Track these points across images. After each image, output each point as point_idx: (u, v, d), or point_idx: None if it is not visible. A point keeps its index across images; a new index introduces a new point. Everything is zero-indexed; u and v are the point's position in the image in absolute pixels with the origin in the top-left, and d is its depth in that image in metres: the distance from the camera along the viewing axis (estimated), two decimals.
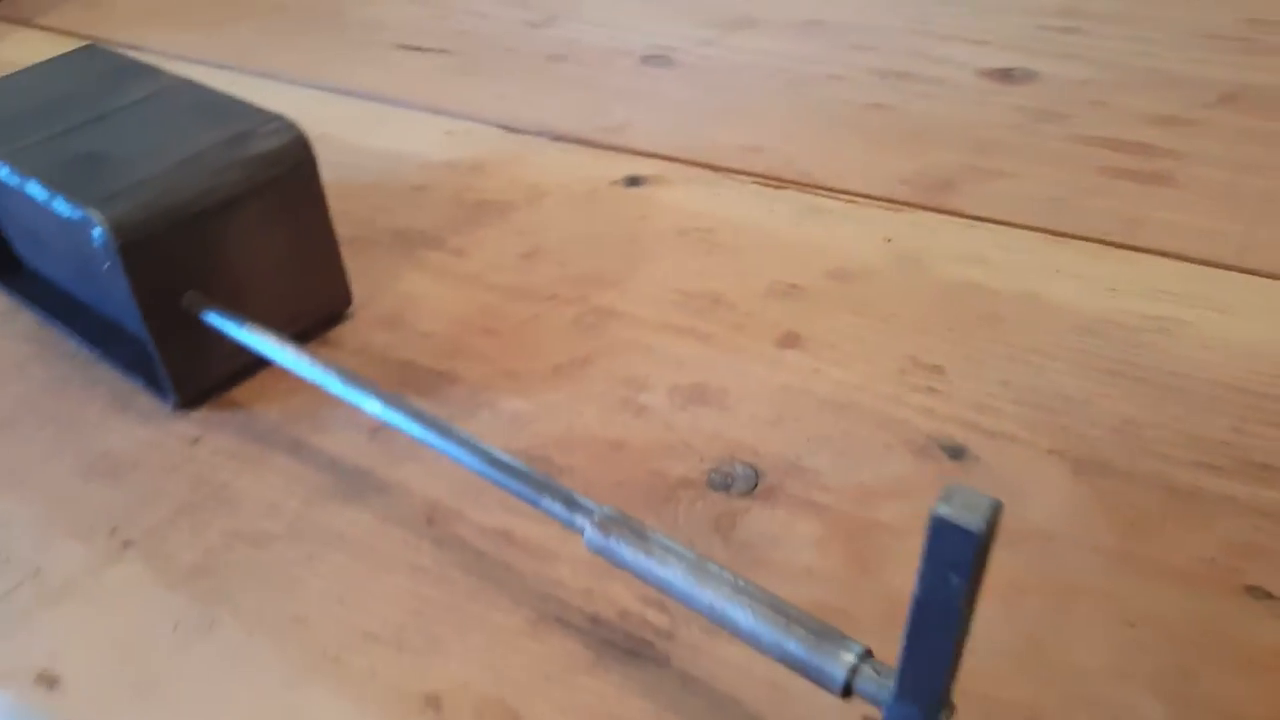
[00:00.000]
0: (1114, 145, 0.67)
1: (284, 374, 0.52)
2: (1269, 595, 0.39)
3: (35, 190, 0.47)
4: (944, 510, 0.26)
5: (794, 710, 0.36)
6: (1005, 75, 0.76)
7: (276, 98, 0.81)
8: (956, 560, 0.26)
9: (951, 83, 0.76)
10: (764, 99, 0.76)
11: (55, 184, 0.46)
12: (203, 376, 0.50)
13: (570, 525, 0.37)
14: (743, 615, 0.32)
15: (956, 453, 0.46)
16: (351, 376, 0.43)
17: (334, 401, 0.48)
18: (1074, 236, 0.59)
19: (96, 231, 0.45)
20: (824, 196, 0.64)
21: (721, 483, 0.45)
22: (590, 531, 0.36)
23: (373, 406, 0.42)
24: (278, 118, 0.51)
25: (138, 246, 0.45)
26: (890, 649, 0.36)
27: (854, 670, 0.30)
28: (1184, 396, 0.48)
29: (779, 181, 0.66)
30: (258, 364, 0.52)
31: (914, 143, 0.69)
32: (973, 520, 0.26)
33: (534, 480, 0.38)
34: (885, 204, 0.63)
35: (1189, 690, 0.36)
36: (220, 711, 0.37)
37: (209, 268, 0.48)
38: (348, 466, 0.47)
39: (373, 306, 0.57)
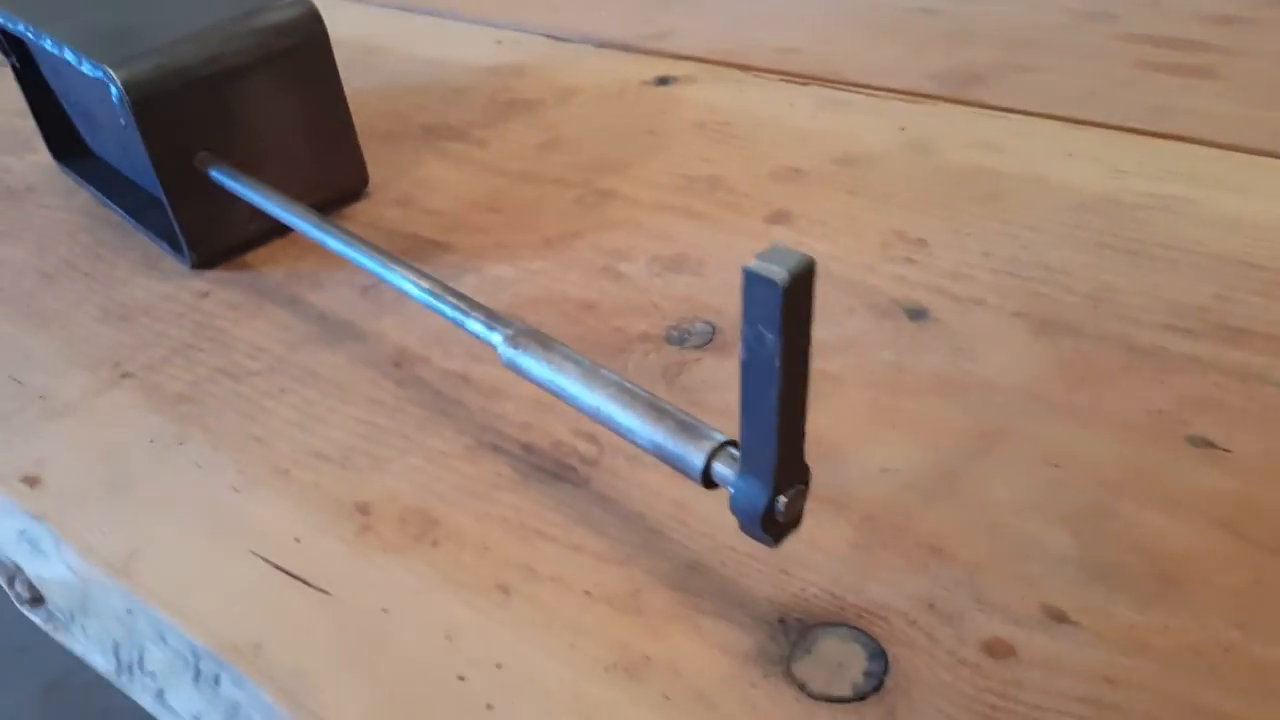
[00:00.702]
0: (1159, 42, 0.64)
1: (294, 241, 0.56)
2: (1210, 444, 0.37)
3: (70, 56, 0.51)
4: (754, 264, 0.26)
5: (693, 523, 0.37)
6: None
7: (343, 13, 0.85)
8: (767, 315, 0.26)
9: None
10: (814, 7, 0.75)
11: (85, 50, 0.50)
12: (217, 238, 0.54)
13: (488, 341, 0.38)
14: (621, 412, 0.33)
15: (917, 314, 0.45)
16: (327, 222, 0.45)
17: (335, 265, 0.50)
18: (1095, 124, 0.57)
19: (114, 89, 0.49)
20: (847, 91, 0.64)
21: (678, 338, 0.46)
22: (502, 345, 0.37)
23: (335, 245, 0.44)
24: None
25: (150, 102, 0.49)
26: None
27: (713, 454, 0.31)
28: (1171, 267, 0.46)
29: (805, 78, 0.66)
30: (272, 231, 0.55)
31: (953, 42, 0.67)
32: (777, 272, 0.26)
33: (462, 302, 0.39)
34: (908, 97, 0.62)
35: (1103, 525, 0.35)
36: (175, 507, 0.40)
37: (221, 130, 0.52)
38: (334, 319, 0.50)
39: (389, 189, 0.60)
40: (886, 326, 0.45)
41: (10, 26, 0.57)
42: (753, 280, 0.26)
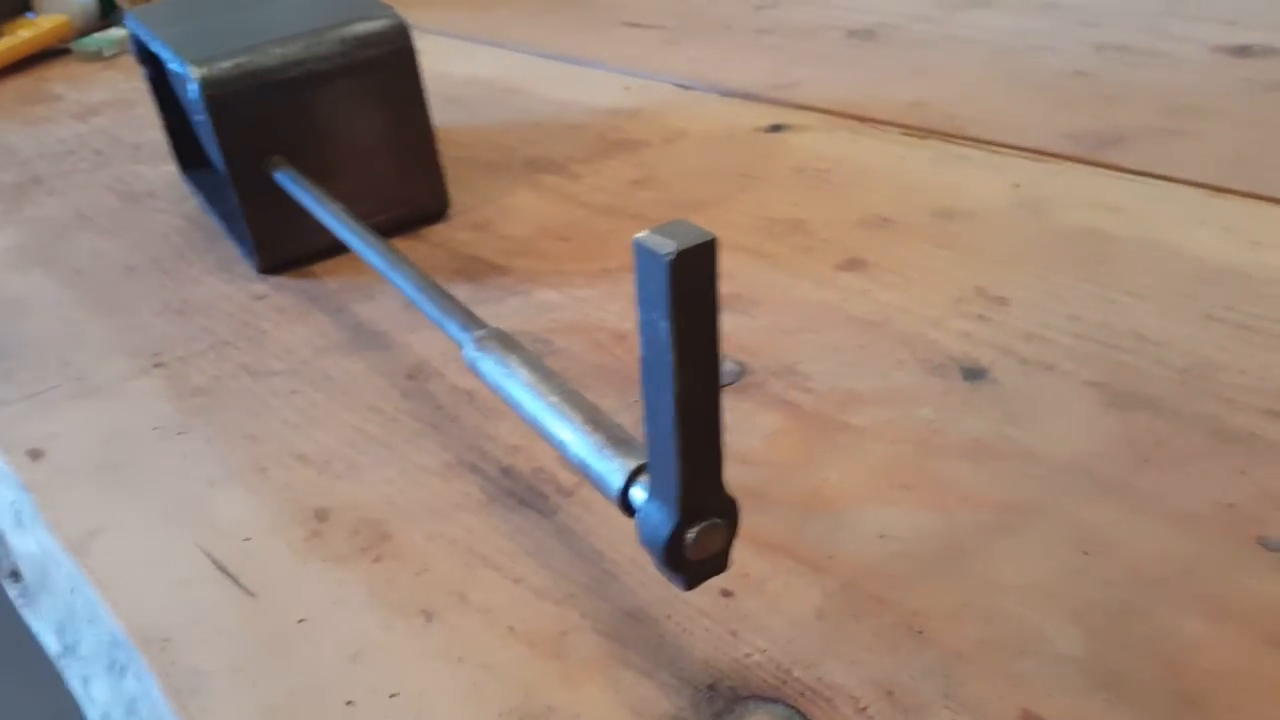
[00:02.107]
0: None
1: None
2: None
3: (167, 56, 0.53)
4: (643, 236, 0.23)
5: (651, 569, 0.32)
6: (1243, 51, 0.65)
7: (490, 55, 0.86)
8: (656, 296, 0.22)
9: (1175, 55, 0.67)
10: (955, 66, 0.70)
11: (178, 48, 0.52)
12: (286, 244, 0.54)
13: (458, 341, 0.35)
14: (557, 420, 0.29)
15: (974, 374, 0.39)
16: (364, 230, 0.44)
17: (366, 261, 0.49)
18: (1240, 193, 0.49)
19: (192, 86, 0.50)
20: (968, 146, 0.58)
21: None
22: (468, 347, 0.34)
23: (346, 236, 0.43)
24: (387, 9, 0.54)
25: (225, 100, 0.50)
26: (792, 534, 0.32)
27: (636, 473, 0.27)
28: None
29: (926, 132, 0.61)
30: (343, 246, 0.55)
31: (1102, 105, 0.61)
32: (664, 244, 0.22)
33: (445, 302, 0.37)
34: (1033, 155, 0.56)
35: (1126, 626, 0.28)
36: (148, 495, 0.39)
37: (298, 136, 0.52)
38: (370, 329, 0.48)
39: (471, 213, 0.58)
40: (934, 384, 0.39)
41: (139, 34, 0.60)
42: (642, 255, 0.23)
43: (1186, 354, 0.39)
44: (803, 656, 0.29)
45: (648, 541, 0.26)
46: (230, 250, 0.57)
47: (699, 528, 0.25)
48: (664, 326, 0.23)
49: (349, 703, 0.29)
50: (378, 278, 0.52)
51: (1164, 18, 0.73)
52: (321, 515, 0.37)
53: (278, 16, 0.55)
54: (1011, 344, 0.41)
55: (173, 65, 0.52)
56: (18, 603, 0.42)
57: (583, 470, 0.28)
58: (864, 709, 0.27)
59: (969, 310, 0.43)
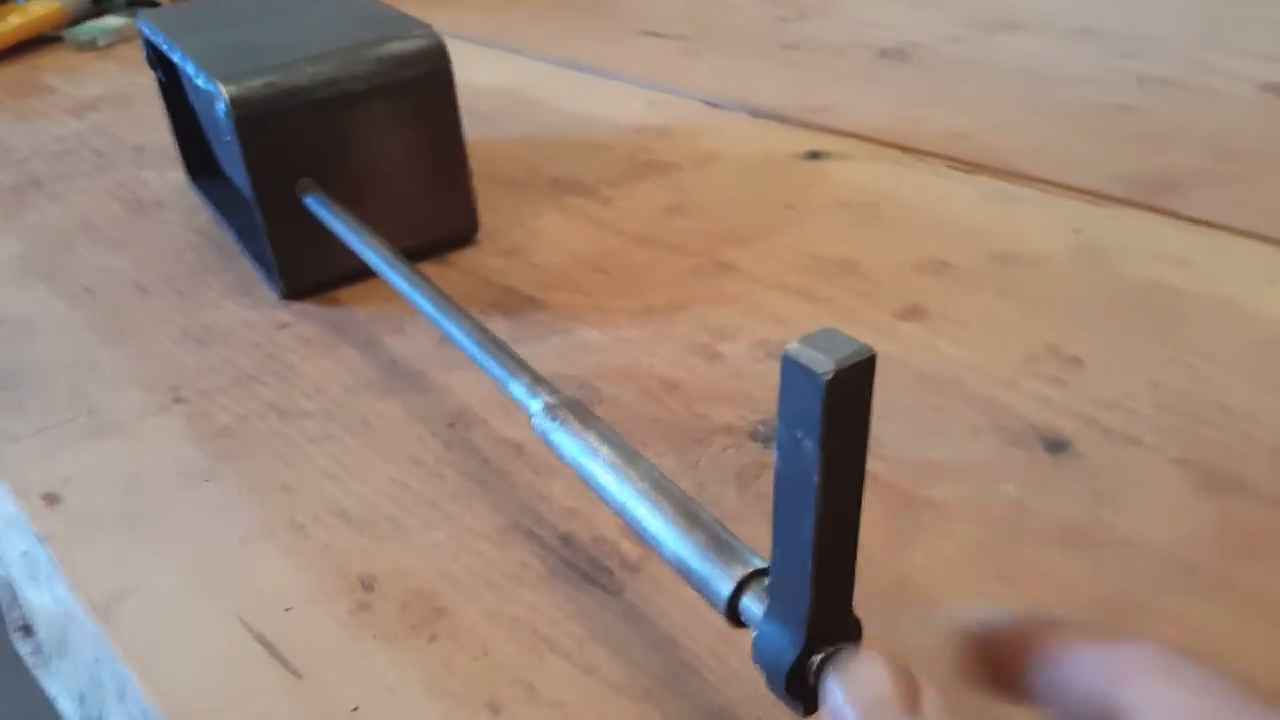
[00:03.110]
0: None
1: (386, 282, 0.52)
2: None
3: (191, 70, 0.50)
4: (793, 347, 0.20)
5: (734, 663, 0.30)
6: None
7: (505, 62, 0.83)
8: (806, 416, 0.20)
9: (1222, 92, 0.65)
10: (994, 92, 0.69)
11: (204, 63, 0.49)
12: (311, 269, 0.51)
13: (525, 407, 0.33)
14: (648, 512, 0.27)
15: (1057, 446, 0.37)
16: (408, 269, 0.42)
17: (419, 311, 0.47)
18: None
19: (221, 104, 0.47)
20: (1018, 184, 0.56)
21: (764, 435, 0.40)
22: (539, 414, 0.32)
23: (398, 281, 0.40)
24: (424, 26, 0.51)
25: (255, 120, 0.47)
26: (884, 629, 0.30)
27: (744, 583, 0.25)
28: None
29: (972, 165, 0.59)
30: (369, 271, 0.52)
31: (1150, 143, 0.59)
32: (821, 362, 0.20)
33: (510, 360, 0.35)
34: (1088, 197, 0.54)
35: None
36: (177, 551, 0.37)
37: (328, 157, 0.49)
38: (403, 366, 0.46)
39: (500, 238, 0.56)
40: (1017, 456, 0.37)
41: (154, 39, 0.57)
42: (791, 370, 0.20)
43: (1276, 431, 0.37)
44: None
45: (768, 664, 0.24)
46: (247, 270, 0.55)
47: (826, 654, 0.23)
48: (810, 447, 0.21)
49: None
50: (407, 307, 0.49)
51: (1204, 50, 0.71)
52: (368, 584, 0.34)
53: (308, 31, 0.52)
54: (1092, 412, 0.39)
55: (198, 80, 0.49)
56: (29, 660, 0.39)
57: (680, 569, 0.26)
58: None
59: (1043, 371, 0.41)
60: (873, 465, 0.37)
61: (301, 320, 0.50)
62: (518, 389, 0.34)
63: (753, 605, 0.24)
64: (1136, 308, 0.45)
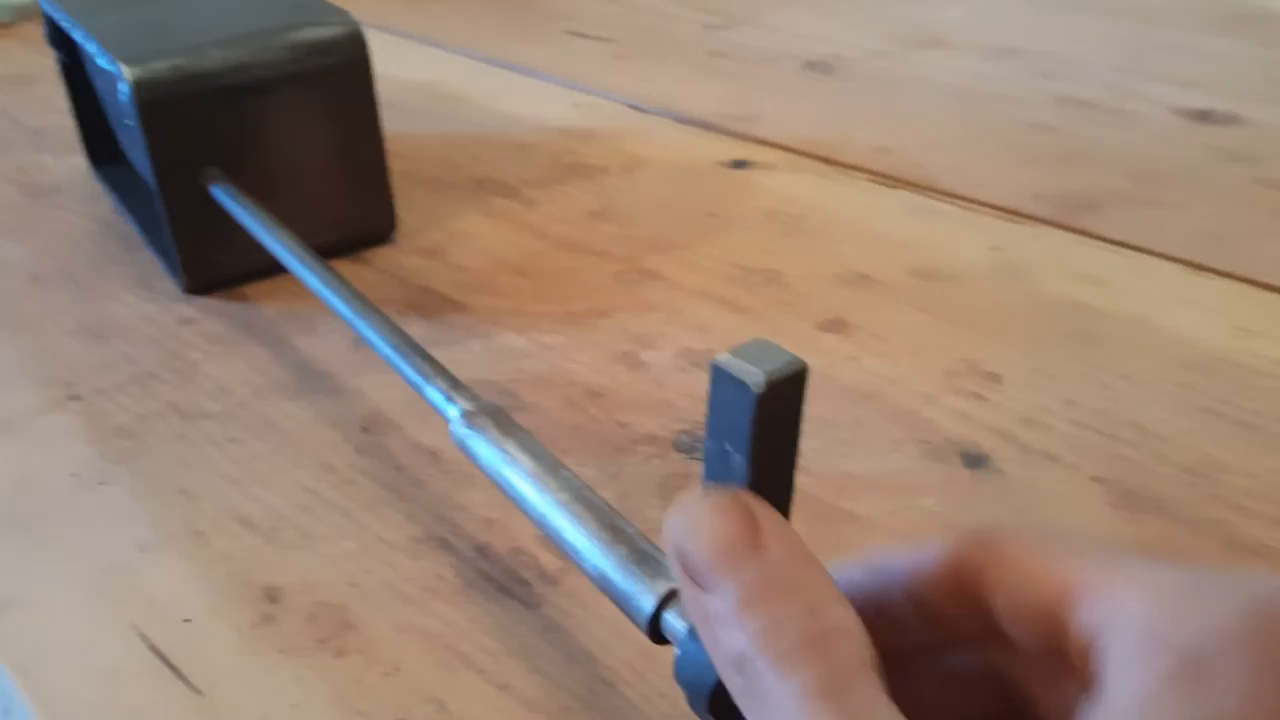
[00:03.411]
0: None
1: (295, 280, 0.51)
2: None
3: (93, 50, 0.48)
4: (723, 358, 0.20)
5: (655, 680, 0.29)
6: (1204, 116, 0.66)
7: (426, 57, 0.82)
8: (734, 429, 0.20)
9: (1139, 116, 0.67)
10: (917, 108, 0.69)
11: (106, 43, 0.47)
12: (216, 263, 0.49)
13: (443, 413, 0.32)
14: (569, 524, 0.26)
15: (976, 461, 0.38)
16: (321, 266, 0.40)
17: (333, 310, 0.45)
18: (1220, 272, 0.49)
19: (123, 86, 0.45)
20: (940, 200, 0.57)
21: (688, 445, 0.39)
22: (457, 421, 0.31)
23: (312, 281, 0.39)
24: (341, 13, 0.50)
25: (159, 105, 0.45)
26: None
27: (667, 599, 0.24)
28: None
29: (895, 180, 0.59)
30: (277, 267, 0.50)
31: (1068, 164, 0.60)
32: (752, 374, 0.19)
33: (427, 365, 0.33)
34: (1008, 215, 0.55)
35: None
36: (70, 559, 0.35)
37: (236, 147, 0.47)
38: (314, 368, 0.44)
39: (419, 237, 0.54)
40: (936, 470, 0.37)
41: (55, 16, 0.54)
42: (721, 381, 0.20)
43: (1189, 451, 0.38)
44: None
45: (689, 684, 0.23)
46: (150, 262, 0.52)
47: None
48: (739, 461, 0.20)
49: None
50: (319, 306, 0.48)
51: (1122, 74, 0.73)
52: (273, 595, 0.33)
53: (219, 13, 0.50)
54: (1010, 429, 0.39)
55: (100, 61, 0.46)
56: None
57: (601, 584, 0.25)
58: None
59: (962, 386, 0.42)
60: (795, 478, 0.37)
61: (206, 316, 0.48)
62: (435, 395, 0.32)
63: (675, 621, 0.24)
64: (1054, 325, 0.45)
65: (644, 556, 0.25)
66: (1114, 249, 0.51)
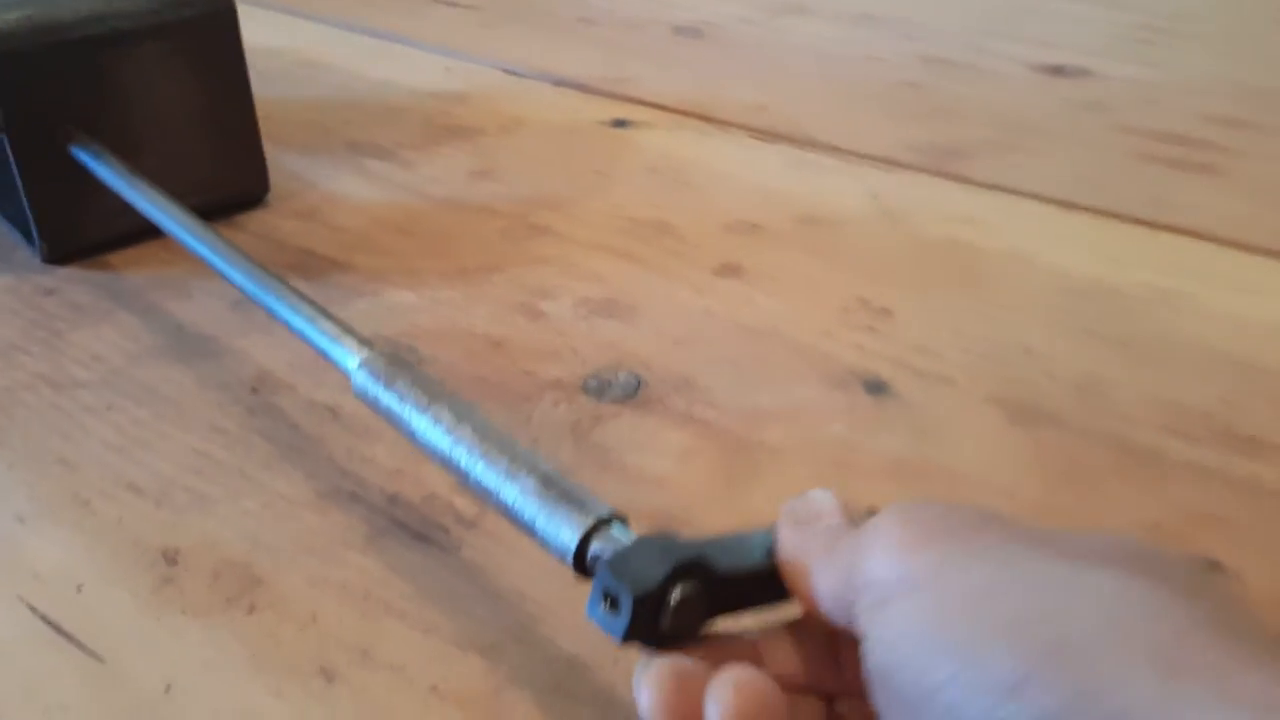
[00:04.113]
0: (1158, 136, 0.59)
1: (168, 245, 0.48)
2: (1219, 568, 0.30)
3: None
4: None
5: (580, 612, 0.29)
6: (1057, 70, 0.69)
7: (287, 24, 0.79)
8: None
9: (998, 73, 0.69)
10: (788, 69, 0.70)
11: None
12: (77, 230, 0.46)
13: (342, 366, 0.31)
14: (484, 467, 0.26)
15: (876, 388, 0.38)
16: (201, 225, 0.38)
17: (208, 274, 0.43)
18: (1087, 209, 0.51)
19: None
20: (817, 153, 0.58)
21: (596, 388, 0.39)
22: (358, 372, 0.30)
23: (192, 242, 0.37)
24: None
25: (10, 59, 0.42)
26: None
27: (592, 531, 0.23)
28: (1170, 365, 0.40)
29: (773, 136, 0.60)
30: (144, 232, 0.48)
31: (936, 117, 0.62)
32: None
33: (322, 318, 0.32)
34: (883, 164, 0.56)
35: None
36: None
37: (96, 104, 0.45)
38: (193, 332, 0.42)
39: (293, 200, 0.52)
40: (840, 399, 0.38)
41: None
42: None
43: (1075, 370, 0.39)
44: None
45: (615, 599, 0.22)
46: (3, 233, 0.49)
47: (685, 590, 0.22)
48: None
49: None
50: (191, 270, 0.46)
51: (980, 36, 0.76)
52: (171, 557, 0.31)
53: None
54: (906, 357, 0.40)
55: None
56: None
57: (521, 522, 0.25)
58: None
59: (856, 321, 0.42)
60: (704, 413, 0.37)
61: (69, 285, 0.45)
62: (334, 349, 0.31)
63: (601, 550, 0.23)
64: (937, 263, 0.47)
65: (565, 493, 0.25)
66: (986, 191, 0.53)
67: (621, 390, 0.38)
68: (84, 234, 0.47)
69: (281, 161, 0.55)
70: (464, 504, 0.33)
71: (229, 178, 0.50)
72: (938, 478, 0.34)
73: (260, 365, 0.40)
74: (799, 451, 0.35)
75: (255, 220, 0.50)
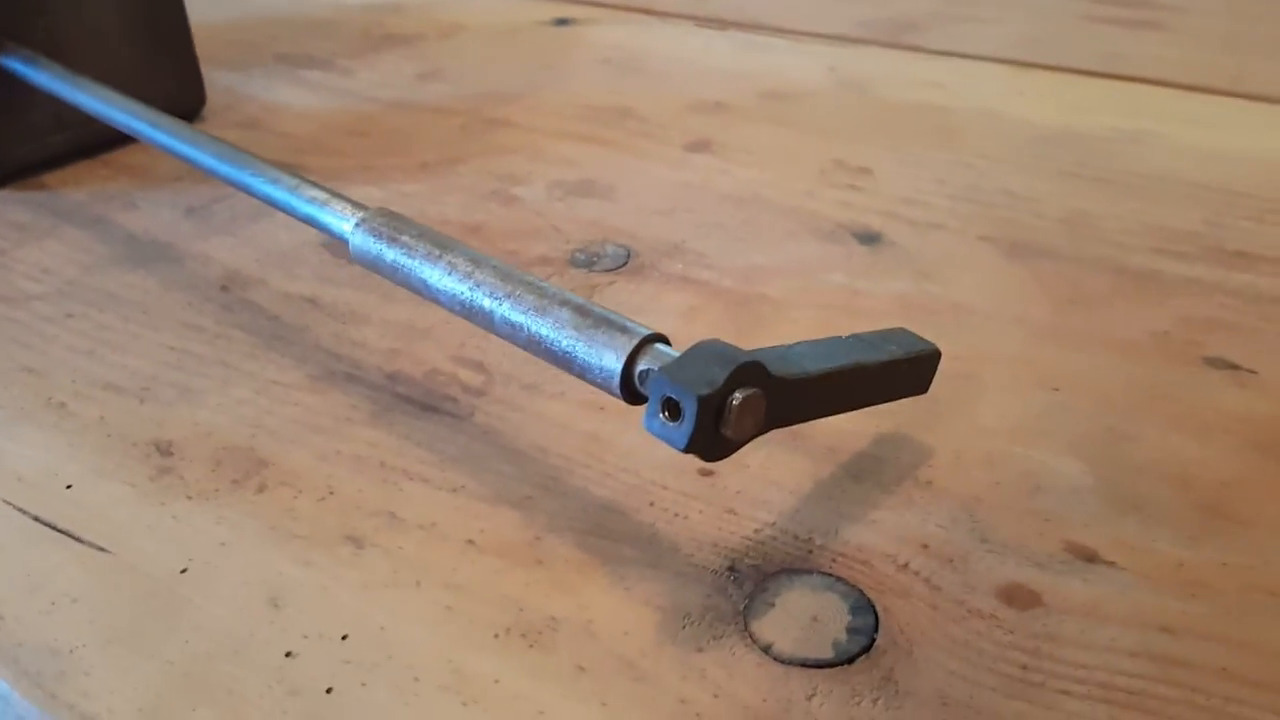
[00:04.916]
0: None
1: (106, 161, 0.46)
2: (1232, 365, 0.30)
3: None
4: None
5: (611, 459, 0.28)
6: None
7: None
8: None
9: None
10: None
11: None
12: (8, 147, 0.43)
13: (334, 231, 0.29)
14: (513, 307, 0.24)
15: (870, 239, 0.38)
16: (163, 117, 0.36)
17: (153, 184, 0.41)
18: (1045, 67, 0.51)
19: None
20: (767, 34, 0.57)
21: (585, 260, 0.37)
22: (357, 233, 0.28)
23: (164, 139, 0.35)
24: None
25: None
26: None
27: (638, 350, 0.22)
28: (1150, 195, 0.40)
29: (720, 23, 0.59)
30: (78, 150, 0.45)
31: None
32: None
33: (290, 180, 0.30)
34: (837, 40, 0.56)
35: (1123, 452, 0.28)
36: None
37: (18, 11, 0.42)
38: (147, 240, 0.40)
39: (233, 112, 0.50)
40: (835, 250, 0.37)
41: None
42: None
43: (1059, 207, 0.39)
44: (818, 524, 0.26)
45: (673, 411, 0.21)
46: None
47: (745, 394, 0.21)
48: None
49: (288, 654, 0.23)
50: (135, 184, 0.43)
51: None
52: (164, 449, 0.29)
53: None
54: (893, 208, 0.40)
55: None
56: None
57: (560, 358, 0.24)
58: (905, 565, 0.24)
59: (837, 181, 0.42)
60: (701, 274, 0.36)
61: (4, 207, 0.42)
62: (325, 214, 0.29)
63: (649, 366, 0.22)
64: (908, 124, 0.46)
65: (602, 320, 0.23)
66: (944, 59, 0.53)
67: (611, 260, 0.37)
68: (15, 151, 0.44)
69: (211, 79, 0.53)
70: (469, 375, 0.32)
71: (163, 90, 0.47)
72: (946, 313, 0.34)
73: (226, 265, 0.38)
74: (802, 301, 0.35)
75: None
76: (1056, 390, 0.30)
